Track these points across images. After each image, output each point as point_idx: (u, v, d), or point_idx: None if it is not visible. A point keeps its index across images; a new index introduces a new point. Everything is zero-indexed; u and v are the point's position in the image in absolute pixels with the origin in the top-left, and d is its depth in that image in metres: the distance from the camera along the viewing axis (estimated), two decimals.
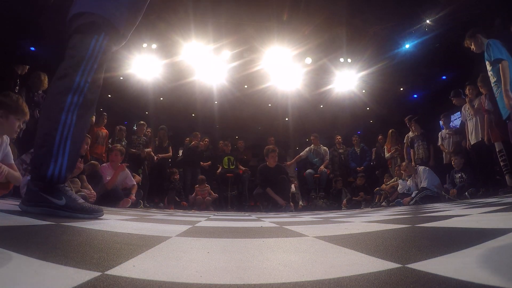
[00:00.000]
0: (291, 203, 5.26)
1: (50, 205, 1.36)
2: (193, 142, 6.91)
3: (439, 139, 5.54)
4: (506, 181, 3.87)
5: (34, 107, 4.46)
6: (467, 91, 4.57)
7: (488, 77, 3.45)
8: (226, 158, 7.02)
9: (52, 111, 1.42)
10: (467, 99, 4.58)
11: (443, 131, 5.55)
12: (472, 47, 3.34)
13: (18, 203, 1.84)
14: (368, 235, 1.07)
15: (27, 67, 4.67)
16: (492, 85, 3.28)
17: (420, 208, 3.07)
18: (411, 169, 5.28)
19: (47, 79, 4.56)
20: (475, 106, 4.44)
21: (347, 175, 7.19)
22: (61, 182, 1.42)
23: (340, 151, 7.34)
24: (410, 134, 5.95)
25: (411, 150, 5.83)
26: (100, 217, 1.47)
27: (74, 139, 1.43)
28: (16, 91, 4.32)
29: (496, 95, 3.30)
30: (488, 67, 3.24)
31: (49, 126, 1.40)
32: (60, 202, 1.37)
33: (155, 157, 6.28)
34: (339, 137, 7.50)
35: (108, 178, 4.13)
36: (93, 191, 3.64)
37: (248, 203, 6.79)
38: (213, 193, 6.46)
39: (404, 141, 6.12)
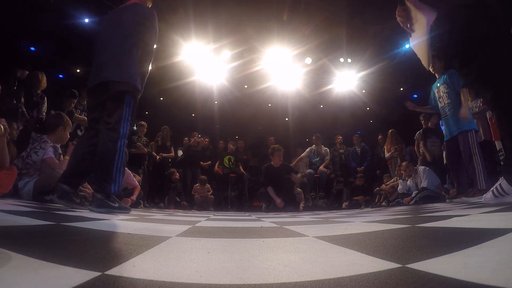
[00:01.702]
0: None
1: (111, 207, 2.14)
2: (193, 139, 6.91)
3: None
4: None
5: (33, 107, 4.46)
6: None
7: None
8: (226, 158, 7.03)
9: (109, 153, 2.21)
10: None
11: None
12: (431, 67, 3.58)
13: (18, 203, 1.84)
14: (368, 235, 1.07)
15: (27, 72, 4.67)
16: (446, 105, 3.63)
17: (420, 208, 3.07)
18: (411, 169, 5.28)
19: (45, 79, 4.56)
20: (477, 109, 4.43)
21: (348, 175, 7.19)
22: (116, 195, 2.26)
23: (341, 151, 7.33)
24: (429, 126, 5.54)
25: (421, 143, 5.48)
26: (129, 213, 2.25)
27: (123, 168, 2.29)
28: (15, 89, 4.33)
29: (445, 116, 3.67)
30: (444, 89, 3.59)
31: (109, 162, 2.19)
32: (115, 205, 2.19)
33: (157, 156, 6.29)
34: (340, 137, 7.49)
35: None
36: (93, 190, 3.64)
37: (248, 203, 6.79)
38: (211, 193, 6.45)
39: (416, 137, 5.94)
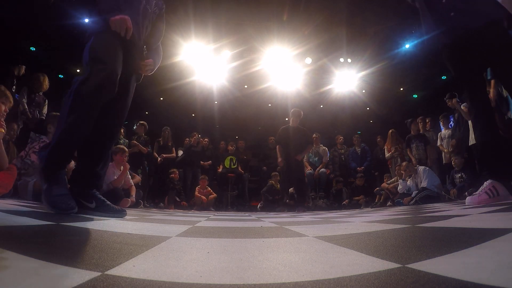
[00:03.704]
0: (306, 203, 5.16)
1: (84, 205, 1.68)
2: (193, 138, 6.92)
3: (438, 140, 5.54)
4: None
5: (35, 108, 4.47)
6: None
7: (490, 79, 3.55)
8: (228, 158, 7.03)
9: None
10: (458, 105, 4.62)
11: (443, 131, 5.56)
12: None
13: (18, 203, 1.84)
14: (368, 235, 1.07)
15: (24, 67, 4.67)
16: None
17: (420, 208, 3.07)
18: (411, 169, 5.28)
19: (47, 81, 4.56)
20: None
21: (347, 176, 7.18)
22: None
23: (341, 151, 7.33)
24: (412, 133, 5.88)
25: (408, 149, 5.77)
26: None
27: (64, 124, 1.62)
28: (13, 90, 4.32)
29: None
30: None
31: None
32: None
33: (159, 158, 6.29)
34: (341, 137, 7.49)
35: (115, 177, 4.13)
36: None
37: (248, 203, 6.78)
38: (213, 193, 6.45)
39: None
